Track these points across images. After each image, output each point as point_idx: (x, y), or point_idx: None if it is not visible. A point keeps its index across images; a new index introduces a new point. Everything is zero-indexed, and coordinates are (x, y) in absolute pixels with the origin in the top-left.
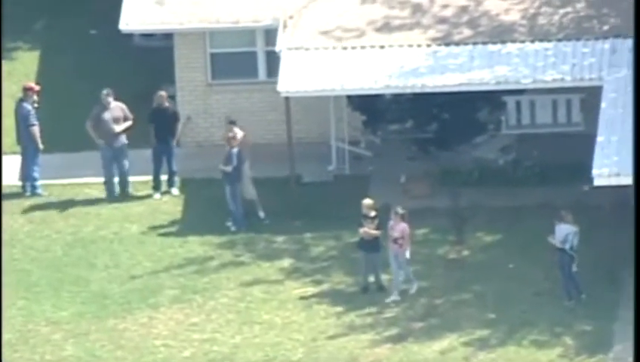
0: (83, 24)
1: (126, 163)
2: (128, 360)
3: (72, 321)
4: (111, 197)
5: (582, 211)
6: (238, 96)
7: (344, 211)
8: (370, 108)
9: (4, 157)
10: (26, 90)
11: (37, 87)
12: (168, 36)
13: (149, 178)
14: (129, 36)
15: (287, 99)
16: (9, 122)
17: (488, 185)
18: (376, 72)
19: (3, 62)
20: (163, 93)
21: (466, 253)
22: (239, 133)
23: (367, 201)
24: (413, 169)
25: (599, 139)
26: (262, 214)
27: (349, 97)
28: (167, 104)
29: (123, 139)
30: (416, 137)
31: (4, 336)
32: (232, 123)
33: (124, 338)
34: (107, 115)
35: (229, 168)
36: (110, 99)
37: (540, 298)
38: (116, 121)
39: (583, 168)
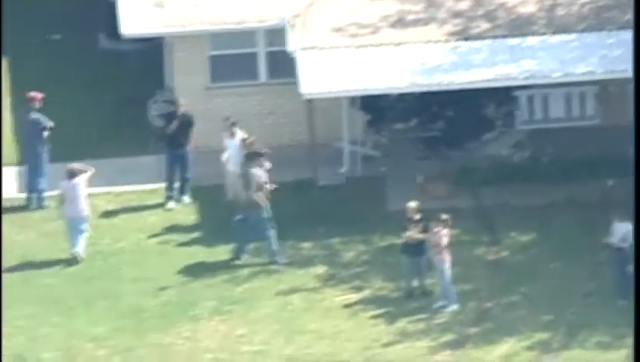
0: (43, 29)
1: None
2: None
3: (112, 337)
4: None
5: (609, 206)
6: (238, 99)
7: (365, 214)
8: (375, 107)
9: (5, 169)
10: (30, 100)
11: (39, 96)
12: (137, 39)
13: (155, 186)
14: (95, 40)
15: (309, 101)
16: (6, 134)
17: (508, 182)
18: (398, 70)
19: None
20: (180, 100)
21: (504, 253)
22: (241, 134)
23: (412, 205)
24: (426, 168)
25: None
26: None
27: (352, 97)
28: (182, 109)
29: None
30: (423, 136)
31: (47, 355)
32: (233, 124)
33: (172, 352)
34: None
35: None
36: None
37: (591, 298)
38: None
39: (603, 162)
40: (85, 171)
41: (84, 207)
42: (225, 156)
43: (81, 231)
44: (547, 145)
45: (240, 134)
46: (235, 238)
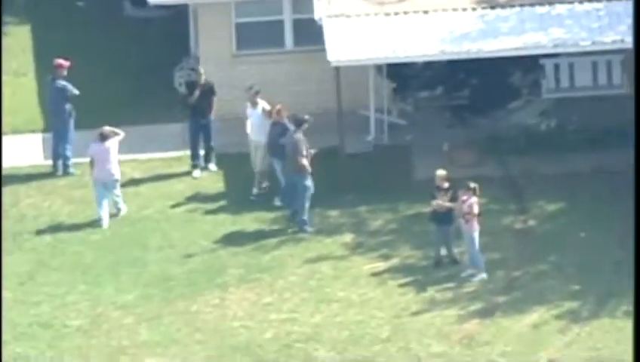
0: None
1: None
2: (210, 343)
3: (139, 304)
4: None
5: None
6: (264, 66)
7: (392, 182)
8: (401, 75)
9: (30, 136)
10: (57, 67)
11: (67, 63)
12: (161, 6)
13: (181, 154)
14: (119, 7)
15: (337, 68)
16: (31, 101)
17: (536, 151)
18: (427, 37)
19: None
20: (201, 69)
21: (532, 222)
22: (263, 103)
23: (441, 172)
24: (453, 137)
25: None
26: (255, 190)
27: (377, 65)
28: (203, 79)
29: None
30: (449, 104)
31: (74, 322)
32: (257, 93)
33: (199, 320)
34: None
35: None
36: None
37: (620, 267)
38: None
39: (630, 131)
40: (117, 134)
41: (116, 170)
42: (248, 125)
43: (112, 195)
44: (573, 113)
45: (262, 103)
46: (289, 204)
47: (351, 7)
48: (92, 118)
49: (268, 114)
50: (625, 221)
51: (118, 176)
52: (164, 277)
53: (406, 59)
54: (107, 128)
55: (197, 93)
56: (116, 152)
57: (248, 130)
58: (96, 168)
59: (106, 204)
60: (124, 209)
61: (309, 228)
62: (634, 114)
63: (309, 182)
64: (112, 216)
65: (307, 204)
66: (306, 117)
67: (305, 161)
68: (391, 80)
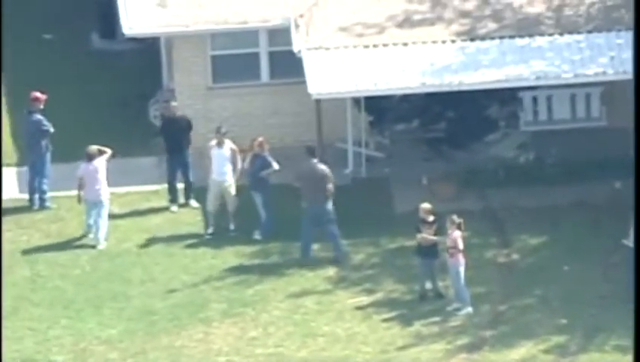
0: (34, 29)
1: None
2: None
3: (123, 339)
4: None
5: (617, 208)
6: (240, 99)
7: (372, 216)
8: (377, 108)
9: (5, 170)
10: (33, 100)
11: (43, 96)
12: (131, 39)
13: (157, 187)
14: (87, 39)
15: (318, 101)
16: (4, 134)
17: (515, 184)
18: (407, 70)
19: None
20: (174, 103)
21: (515, 256)
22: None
23: (426, 206)
24: (430, 170)
25: None
26: (232, 226)
27: (354, 98)
28: (178, 114)
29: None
30: (426, 137)
31: (58, 357)
32: (224, 134)
33: (184, 355)
34: None
35: (269, 171)
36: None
37: (606, 301)
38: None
39: (609, 164)
40: (104, 152)
41: (104, 190)
42: (211, 165)
43: (100, 216)
44: (552, 146)
45: (229, 143)
46: (302, 235)
47: (330, 40)
48: (67, 152)
49: (250, 147)
50: (607, 254)
51: (106, 196)
52: (147, 311)
53: (387, 91)
54: (93, 147)
55: (169, 128)
56: (104, 172)
57: (210, 168)
58: (85, 189)
59: (98, 224)
60: (103, 245)
61: (344, 259)
62: (634, 115)
63: (332, 207)
64: (91, 248)
65: (336, 230)
66: (314, 145)
67: (329, 188)
68: (367, 113)
